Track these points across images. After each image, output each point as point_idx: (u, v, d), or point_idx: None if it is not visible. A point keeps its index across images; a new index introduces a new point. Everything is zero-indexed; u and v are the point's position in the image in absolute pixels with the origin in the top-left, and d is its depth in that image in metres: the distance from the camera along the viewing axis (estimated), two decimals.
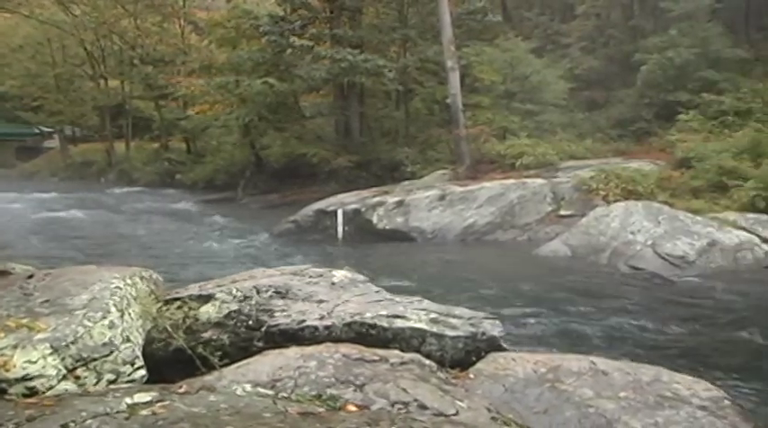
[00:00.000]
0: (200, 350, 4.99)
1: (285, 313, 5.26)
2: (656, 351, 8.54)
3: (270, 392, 3.89)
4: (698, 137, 20.86)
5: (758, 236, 14.29)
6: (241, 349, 5.03)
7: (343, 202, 19.07)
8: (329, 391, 3.98)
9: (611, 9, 32.98)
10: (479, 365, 5.06)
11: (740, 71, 25.09)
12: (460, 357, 5.13)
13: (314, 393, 3.94)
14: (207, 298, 5.48)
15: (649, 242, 14.16)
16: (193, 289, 5.76)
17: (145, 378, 4.38)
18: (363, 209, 18.39)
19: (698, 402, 4.60)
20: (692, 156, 19.34)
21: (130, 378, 4.29)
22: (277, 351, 4.67)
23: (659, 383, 4.83)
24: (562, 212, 18.19)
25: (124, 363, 4.32)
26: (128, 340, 4.44)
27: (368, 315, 5.21)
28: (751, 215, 15.27)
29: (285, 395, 3.88)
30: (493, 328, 5.42)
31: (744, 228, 14.55)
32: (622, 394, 4.63)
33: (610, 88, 29.33)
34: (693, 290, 12.23)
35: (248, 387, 3.93)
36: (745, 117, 21.46)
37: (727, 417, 4.45)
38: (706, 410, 4.50)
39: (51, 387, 3.91)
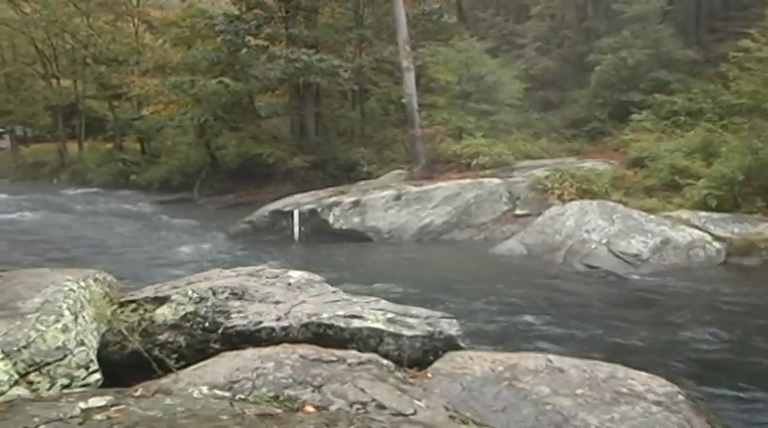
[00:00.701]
0: (156, 352, 4.96)
1: (242, 314, 5.24)
2: (612, 348, 8.64)
3: (227, 394, 3.87)
4: (651, 136, 21.13)
5: (710, 233, 14.50)
6: (198, 351, 5.00)
7: (300, 203, 19.00)
8: (287, 392, 3.97)
9: (566, 10, 33.25)
10: (437, 364, 5.08)
11: (691, 72, 25.47)
12: (418, 356, 5.14)
13: (272, 394, 3.93)
14: (162, 300, 5.44)
15: (604, 240, 14.31)
16: (149, 291, 5.71)
17: (100, 383, 4.34)
18: (319, 210, 18.35)
19: (653, 397, 4.66)
20: (645, 155, 19.59)
21: (85, 382, 4.25)
22: (234, 352, 4.65)
23: (615, 380, 4.89)
24: (518, 211, 18.30)
25: (78, 367, 4.28)
26: (82, 344, 4.40)
27: (325, 315, 5.20)
28: (703, 213, 15.49)
29: (243, 396, 3.86)
30: (450, 327, 5.44)
31: (696, 226, 14.77)
32: (579, 391, 4.68)
33: (564, 88, 29.59)
34: (648, 288, 12.39)
35: (205, 389, 3.90)
36: (696, 117, 21.80)
37: (681, 412, 4.52)
38: (661, 405, 4.56)
39: (2, 393, 3.86)
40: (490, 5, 36.27)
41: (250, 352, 4.57)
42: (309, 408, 3.78)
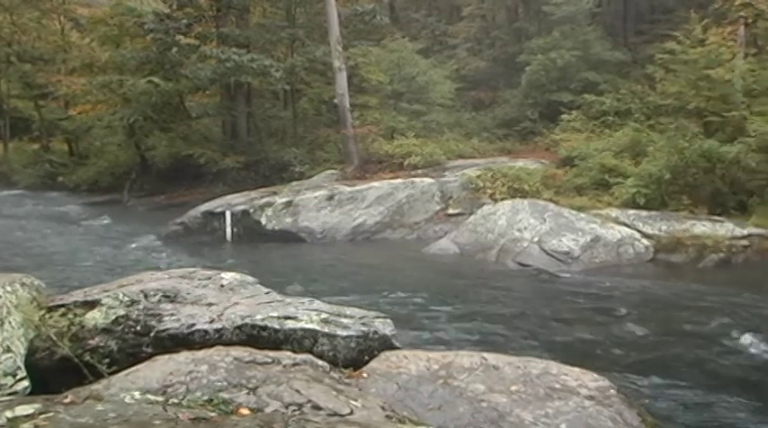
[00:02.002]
0: (87, 358, 4.85)
1: (174, 317, 5.18)
2: (545, 344, 8.74)
3: (160, 398, 3.82)
4: (580, 136, 21.51)
5: (639, 231, 14.80)
6: (130, 355, 4.92)
7: (232, 203, 18.84)
8: (221, 395, 3.93)
9: (497, 11, 33.64)
10: (372, 364, 5.09)
11: (619, 73, 26.01)
12: (353, 356, 5.15)
13: (206, 398, 3.88)
14: (93, 304, 5.34)
15: (536, 239, 14.49)
16: (78, 296, 5.59)
17: (28, 390, 4.24)
18: (252, 210, 18.23)
19: (586, 392, 4.74)
20: (575, 154, 19.92)
21: (12, 390, 4.15)
22: (167, 356, 4.58)
23: (548, 376, 4.95)
24: (450, 211, 18.42)
25: (5, 375, 4.18)
26: (8, 350, 4.30)
27: (258, 317, 5.17)
28: (632, 211, 15.80)
29: (176, 401, 3.81)
30: (384, 327, 5.46)
31: (625, 224, 15.05)
32: (513, 387, 4.73)
33: (496, 88, 29.93)
34: (579, 285, 12.58)
35: (137, 394, 3.84)
36: (624, 117, 22.26)
37: (613, 405, 4.61)
38: (593, 400, 4.65)
39: None
40: (422, 6, 36.48)
41: (183, 356, 4.51)
42: (244, 411, 3.75)
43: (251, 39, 26.52)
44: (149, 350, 4.95)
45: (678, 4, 26.97)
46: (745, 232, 14.50)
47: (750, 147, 15.84)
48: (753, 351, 8.50)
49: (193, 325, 5.06)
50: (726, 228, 14.59)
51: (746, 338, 8.83)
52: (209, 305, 5.43)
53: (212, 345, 4.80)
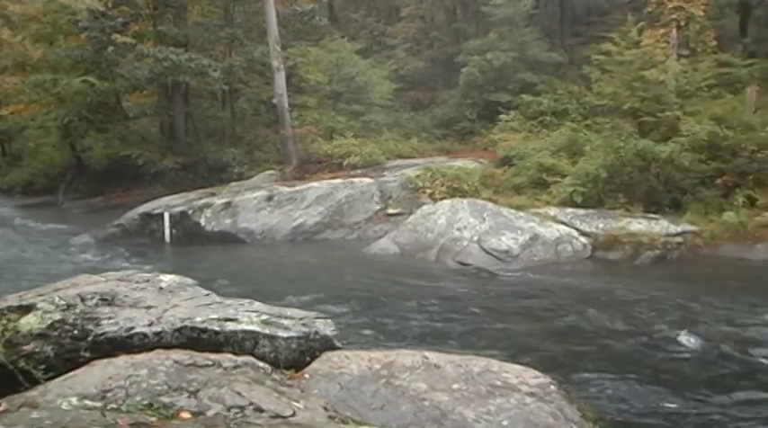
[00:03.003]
0: (21, 364, 4.74)
1: (112, 320, 5.10)
2: (486, 342, 8.81)
3: (98, 404, 3.75)
4: (518, 136, 21.76)
5: (576, 229, 15.03)
6: (67, 360, 4.81)
7: (170, 205, 18.65)
8: (162, 399, 3.88)
9: (435, 12, 33.81)
10: (314, 365, 5.09)
11: (556, 74, 26.39)
12: (295, 357, 5.13)
13: (146, 402, 3.82)
14: (27, 309, 5.22)
15: (475, 238, 14.60)
16: (12, 300, 5.46)
17: None
18: (191, 212, 18.08)
19: (526, 389, 4.80)
20: (513, 154, 20.14)
21: None
22: (106, 360, 4.50)
23: (490, 373, 5.00)
24: (390, 211, 18.46)
25: None
26: None
27: (198, 319, 5.13)
28: (569, 209, 16.03)
29: (115, 406, 3.75)
30: (325, 327, 5.46)
31: (563, 222, 15.27)
32: (455, 386, 4.77)
33: (434, 89, 30.09)
34: (518, 283, 12.74)
35: (75, 400, 3.77)
36: (561, 117, 22.59)
37: (553, 401, 4.68)
38: (534, 396, 4.71)
39: None
40: (361, 6, 36.49)
41: (122, 360, 4.44)
42: (185, 415, 3.71)
43: (189, 38, 26.22)
44: (87, 354, 4.86)
45: (613, 6, 27.46)
46: (680, 229, 14.79)
47: (683, 147, 16.17)
48: (687, 344, 8.73)
49: (132, 328, 4.99)
50: (661, 226, 14.87)
51: (681, 332, 9.07)
52: (148, 308, 5.37)
53: (152, 349, 4.74)
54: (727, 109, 17.73)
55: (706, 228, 14.86)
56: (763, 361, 8.06)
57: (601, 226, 15.13)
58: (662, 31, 20.59)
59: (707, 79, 19.36)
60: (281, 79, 22.69)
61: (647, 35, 20.07)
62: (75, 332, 5.03)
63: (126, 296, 5.57)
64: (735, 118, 17.16)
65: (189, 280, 6.34)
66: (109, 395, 3.91)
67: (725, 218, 15.00)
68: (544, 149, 19.55)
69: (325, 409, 4.14)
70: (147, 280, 6.14)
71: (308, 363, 5.12)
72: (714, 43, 21.37)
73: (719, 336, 8.88)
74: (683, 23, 20.67)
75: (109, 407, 3.69)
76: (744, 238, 14.57)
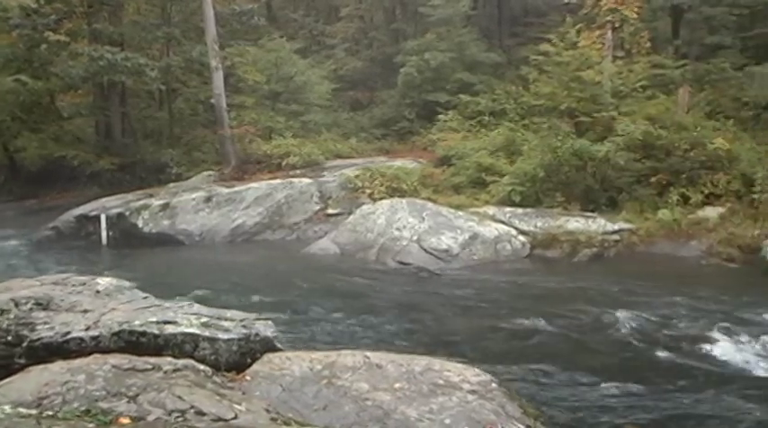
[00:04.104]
0: None
1: (48, 325, 5.01)
2: (428, 341, 8.87)
3: (34, 412, 3.68)
4: (457, 136, 21.87)
5: (515, 228, 15.19)
6: (1, 367, 4.72)
7: (107, 206, 18.40)
8: (100, 405, 3.82)
9: (375, 12, 33.82)
10: (255, 367, 5.07)
11: (494, 74, 26.61)
12: (236, 360, 5.11)
13: (83, 408, 3.76)
14: None
15: (415, 237, 14.65)
16: None
17: None
18: (128, 213, 17.86)
19: (468, 387, 4.84)
20: (452, 154, 20.24)
21: None
22: (41, 366, 4.42)
23: (431, 372, 5.03)
24: (329, 211, 18.44)
25: None
26: None
27: (137, 322, 5.07)
28: (508, 208, 16.17)
29: (51, 413, 3.68)
30: (266, 329, 5.44)
31: (502, 221, 15.41)
32: (397, 385, 4.79)
33: (373, 89, 30.11)
34: (459, 282, 12.83)
35: (8, 408, 3.69)
36: (499, 117, 22.79)
37: (495, 399, 4.73)
38: (476, 394, 4.74)
39: None
40: (300, 6, 36.33)
41: (59, 365, 4.37)
42: (124, 420, 3.66)
43: (125, 36, 25.86)
44: (22, 361, 4.77)
45: (550, 8, 27.78)
46: (616, 227, 15.04)
47: (619, 146, 16.42)
48: (623, 337, 8.98)
49: (68, 333, 4.91)
50: (598, 224, 15.10)
51: (618, 326, 9.33)
52: (85, 312, 5.29)
53: (89, 353, 4.67)
54: (660, 109, 18.09)
55: (642, 226, 15.13)
56: (695, 351, 8.34)
57: (539, 224, 15.30)
58: (597, 32, 20.87)
59: (641, 80, 19.68)
60: (219, 79, 22.51)
61: (583, 36, 20.33)
62: (9, 338, 4.93)
63: (62, 300, 5.49)
64: (668, 118, 17.53)
65: (126, 283, 6.28)
66: (45, 402, 3.84)
67: (660, 215, 15.28)
68: (482, 149, 19.68)
69: (268, 411, 4.13)
70: (84, 284, 6.06)
71: (250, 365, 5.10)
72: (648, 45, 21.75)
73: (654, 330, 9.11)
74: (617, 25, 20.97)
75: (45, 415, 3.63)
76: (678, 235, 14.86)
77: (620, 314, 9.79)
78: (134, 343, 4.91)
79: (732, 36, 21.98)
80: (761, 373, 7.62)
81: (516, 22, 30.91)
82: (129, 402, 3.88)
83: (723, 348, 8.32)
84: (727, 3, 21.49)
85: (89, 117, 28.85)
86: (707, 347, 8.40)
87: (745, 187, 15.36)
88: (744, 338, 8.59)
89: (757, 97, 19.23)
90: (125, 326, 4.99)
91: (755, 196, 14.77)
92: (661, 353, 8.30)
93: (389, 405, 4.50)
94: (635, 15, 20.96)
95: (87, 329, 4.95)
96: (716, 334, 8.77)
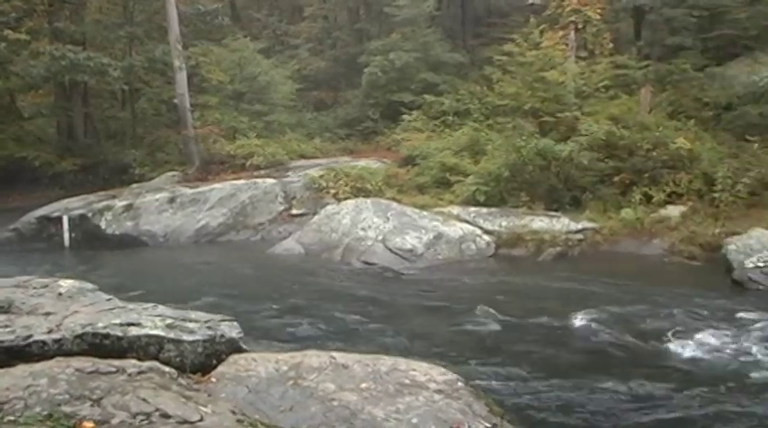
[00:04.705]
0: None
1: (9, 329, 4.94)
2: (393, 341, 8.86)
3: None
4: (421, 136, 21.91)
5: (480, 227, 15.23)
6: None
7: (69, 208, 18.22)
8: (63, 409, 3.77)
9: (339, 12, 33.81)
10: (221, 368, 5.04)
11: (458, 74, 26.69)
12: (201, 361, 5.08)
13: (46, 413, 3.71)
14: None
15: (380, 237, 14.66)
16: None
17: None
18: (90, 215, 17.71)
19: (435, 386, 4.85)
20: (416, 154, 20.27)
21: None
22: (2, 370, 4.36)
23: (398, 372, 5.03)
24: (294, 211, 18.42)
25: None
26: None
27: (100, 325, 5.02)
28: (473, 208, 16.23)
29: (12, 418, 3.63)
30: (231, 330, 5.42)
31: (467, 221, 15.46)
32: (363, 385, 4.79)
33: (337, 89, 30.10)
34: (424, 281, 12.86)
35: None
36: (463, 117, 22.85)
37: (461, 398, 4.74)
38: (442, 393, 4.75)
39: None
40: (264, 6, 36.19)
41: (20, 369, 4.31)
42: (88, 424, 3.62)
43: (87, 36, 25.63)
44: None
45: (513, 9, 27.91)
46: (580, 226, 15.15)
47: (582, 146, 16.56)
48: (586, 336, 9.05)
49: (30, 336, 4.84)
50: (562, 223, 15.20)
51: (582, 325, 9.42)
52: (47, 314, 5.23)
53: (52, 357, 4.61)
54: (623, 109, 18.26)
55: (605, 225, 15.26)
56: (658, 348, 8.44)
57: (504, 224, 15.37)
58: (561, 33, 20.99)
59: (604, 80, 19.86)
60: (182, 79, 22.37)
61: (546, 37, 20.45)
62: None
63: (23, 303, 5.43)
64: (630, 118, 17.70)
65: (89, 285, 6.22)
66: (6, 407, 3.78)
67: (623, 214, 15.42)
68: (447, 149, 19.74)
69: (234, 413, 4.11)
70: (46, 286, 6.00)
71: (215, 367, 5.07)
72: (611, 46, 21.89)
73: (618, 328, 9.17)
74: (580, 26, 21.11)
75: (6, 420, 3.58)
76: (641, 234, 15.01)
77: (584, 312, 9.86)
78: (97, 345, 4.86)
79: (693, 37, 22.22)
80: (722, 369, 7.70)
81: (480, 22, 31.03)
82: (92, 405, 3.84)
83: (685, 345, 8.41)
84: (687, 5, 21.74)
85: (51, 117, 28.57)
86: (669, 344, 8.49)
87: (707, 186, 15.55)
88: (705, 335, 8.69)
89: (718, 97, 19.50)
90: (88, 329, 4.94)
91: (716, 195, 14.94)
92: (624, 351, 8.39)
93: (356, 406, 4.49)
94: (598, 16, 21.11)
95: (50, 332, 4.89)
96: (678, 332, 8.86)
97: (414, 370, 5.10)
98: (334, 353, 5.37)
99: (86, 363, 4.42)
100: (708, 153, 16.38)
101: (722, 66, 21.01)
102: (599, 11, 21.13)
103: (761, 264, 11.42)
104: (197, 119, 23.40)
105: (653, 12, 22.31)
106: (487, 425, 4.50)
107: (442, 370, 5.21)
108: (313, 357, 5.27)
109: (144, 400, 3.94)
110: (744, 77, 20.14)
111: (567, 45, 20.67)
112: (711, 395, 6.87)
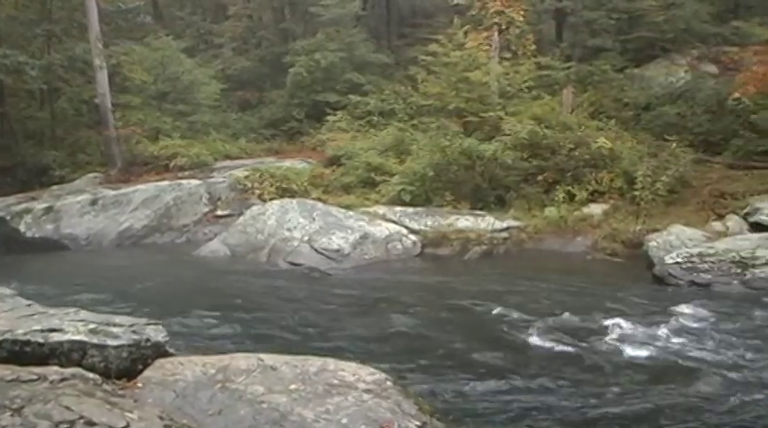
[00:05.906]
0: None
1: None
2: (321, 341, 8.83)
3: None
4: (346, 136, 21.97)
5: (406, 227, 15.32)
6: None
7: None
8: None
9: (263, 11, 33.58)
10: (147, 373, 4.98)
11: (383, 74, 26.81)
12: (126, 366, 5.01)
13: None
14: None
15: (306, 238, 14.64)
16: None
17: None
18: (9, 217, 17.32)
19: (363, 386, 4.86)
20: (341, 154, 20.31)
21: None
22: None
23: (326, 372, 5.03)
24: (219, 212, 18.30)
25: None
26: None
27: (20, 331, 4.91)
28: (398, 208, 16.32)
29: None
30: (157, 334, 5.35)
31: (393, 221, 15.54)
32: (292, 386, 4.78)
33: (262, 89, 29.91)
34: (350, 281, 12.90)
35: None
36: (388, 117, 22.99)
37: (391, 397, 4.76)
38: (371, 393, 4.77)
39: None
40: (187, 4, 35.78)
41: None
42: None
43: (2, 33, 24.97)
44: None
45: (438, 9, 28.12)
46: (505, 225, 15.36)
47: (506, 145, 16.80)
48: (511, 332, 9.15)
49: None
50: (487, 222, 15.37)
51: (507, 322, 9.56)
52: None
53: None
54: (546, 109, 18.58)
55: (530, 223, 15.52)
56: (581, 342, 8.56)
57: (429, 223, 15.49)
58: (485, 34, 21.25)
59: (527, 81, 20.20)
60: (103, 78, 21.98)
61: (470, 38, 20.66)
62: None
63: None
64: (553, 118, 18.02)
65: (7, 291, 6.10)
66: None
67: (546, 213, 15.69)
68: (372, 149, 19.83)
69: (161, 418, 4.06)
70: None
71: (141, 372, 5.01)
72: (534, 47, 22.23)
73: (542, 324, 9.29)
74: (504, 27, 21.37)
75: None
76: (565, 232, 15.31)
77: (509, 309, 10.00)
78: (17, 352, 4.75)
79: (613, 39, 22.76)
80: (645, 361, 7.88)
81: (404, 22, 31.18)
82: (12, 415, 3.75)
83: (608, 339, 8.59)
84: (607, 8, 22.24)
85: None
86: (593, 338, 8.64)
87: (627, 184, 15.91)
88: (628, 329, 8.89)
89: (637, 98, 19.99)
90: (7, 336, 4.83)
91: (637, 193, 15.26)
92: (550, 346, 8.49)
93: (285, 407, 4.48)
94: (521, 18, 21.43)
95: None
96: (602, 326, 9.06)
97: (342, 370, 5.11)
98: (262, 355, 5.34)
99: (6, 371, 4.32)
100: (628, 152, 16.77)
101: (641, 68, 21.60)
102: (522, 13, 21.46)
103: (680, 260, 11.72)
104: (119, 119, 23.01)
105: (574, 14, 22.79)
106: (417, 424, 4.53)
107: (371, 369, 5.23)
108: (241, 359, 5.24)
109: (67, 408, 3.86)
110: (661, 79, 20.77)
111: (490, 46, 20.91)
112: (635, 386, 7.03)
